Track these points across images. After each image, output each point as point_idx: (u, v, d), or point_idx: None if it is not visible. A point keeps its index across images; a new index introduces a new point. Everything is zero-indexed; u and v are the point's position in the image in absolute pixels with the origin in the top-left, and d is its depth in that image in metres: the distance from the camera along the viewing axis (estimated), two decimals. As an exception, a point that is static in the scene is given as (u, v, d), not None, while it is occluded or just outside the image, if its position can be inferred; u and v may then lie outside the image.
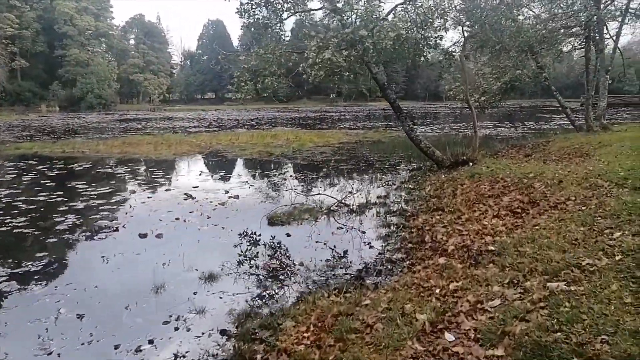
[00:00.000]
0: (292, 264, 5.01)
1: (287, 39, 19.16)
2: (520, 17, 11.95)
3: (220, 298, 4.28)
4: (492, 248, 4.64)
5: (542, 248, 4.09)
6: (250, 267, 4.99)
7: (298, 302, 4.03)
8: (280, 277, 4.70)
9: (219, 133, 23.74)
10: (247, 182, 9.98)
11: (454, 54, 9.63)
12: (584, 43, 11.63)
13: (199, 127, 30.77)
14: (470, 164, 9.66)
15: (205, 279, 4.67)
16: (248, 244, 5.70)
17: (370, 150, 15.48)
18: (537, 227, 5.03)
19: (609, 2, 10.57)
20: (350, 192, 8.60)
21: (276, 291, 4.38)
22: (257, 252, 5.41)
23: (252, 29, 10.36)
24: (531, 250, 4.12)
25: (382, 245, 5.61)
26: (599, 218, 4.59)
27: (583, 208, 5.36)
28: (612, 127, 10.84)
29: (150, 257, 5.39)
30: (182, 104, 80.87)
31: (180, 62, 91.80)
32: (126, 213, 7.53)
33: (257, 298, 4.26)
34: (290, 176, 10.86)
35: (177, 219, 7.04)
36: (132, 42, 78.03)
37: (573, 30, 11.79)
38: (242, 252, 5.43)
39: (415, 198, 8.09)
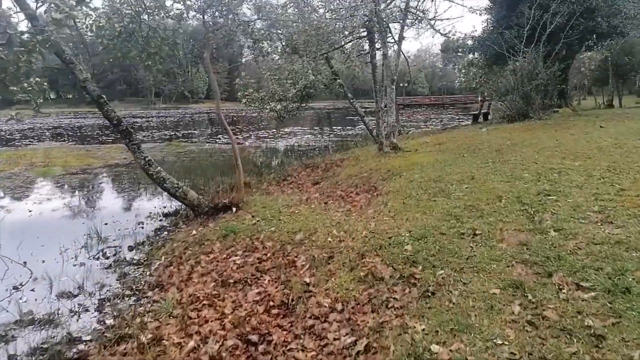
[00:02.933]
0: None
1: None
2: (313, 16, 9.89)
3: None
4: None
5: None
6: None
7: None
8: None
9: None
10: None
11: (201, 51, 6.72)
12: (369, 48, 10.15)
13: None
14: (234, 209, 6.90)
15: None
16: None
17: (136, 179, 11.69)
18: None
19: (390, 1, 9.09)
20: None
21: None
22: None
23: None
24: None
25: None
26: None
27: (348, 340, 2.94)
28: (403, 147, 9.42)
29: None
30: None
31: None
32: None
33: None
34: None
35: None
36: None
37: (358, 32, 10.18)
38: None
39: (125, 292, 4.85)
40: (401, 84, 66.21)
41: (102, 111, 6.68)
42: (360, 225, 5.13)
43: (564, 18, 12.56)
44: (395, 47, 10.07)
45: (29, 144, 21.00)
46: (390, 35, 9.66)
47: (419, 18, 9.25)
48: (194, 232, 6.43)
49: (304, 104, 15.54)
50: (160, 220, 7.67)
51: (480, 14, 16.39)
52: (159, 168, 6.94)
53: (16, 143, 21.44)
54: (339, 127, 28.19)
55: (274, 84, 15.16)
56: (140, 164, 6.86)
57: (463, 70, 27.76)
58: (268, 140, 21.76)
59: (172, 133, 26.78)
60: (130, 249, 6.21)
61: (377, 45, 9.91)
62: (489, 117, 17.51)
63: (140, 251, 6.12)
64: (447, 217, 4.56)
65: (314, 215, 6.04)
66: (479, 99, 17.37)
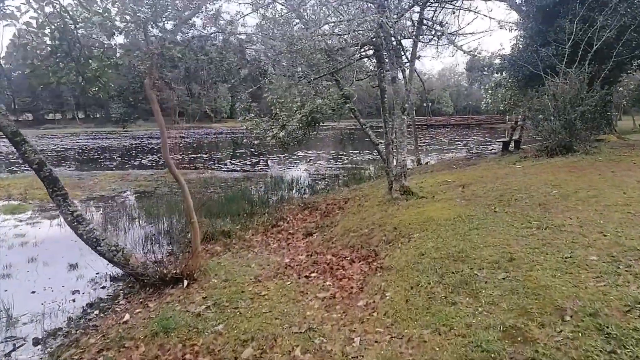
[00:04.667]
0: None
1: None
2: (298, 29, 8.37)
3: None
4: None
5: None
6: None
7: None
8: None
9: None
10: None
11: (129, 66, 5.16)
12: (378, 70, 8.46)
13: None
14: (185, 282, 5.22)
15: None
16: None
17: (111, 217, 10.17)
18: None
19: (401, 13, 7.38)
20: None
21: None
22: None
23: None
24: None
25: None
26: None
27: None
28: (417, 189, 7.63)
29: None
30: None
31: (-25, 77, 73.31)
32: None
33: None
34: None
35: None
36: None
37: (364, 50, 8.56)
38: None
39: None
40: (425, 104, 64.33)
41: (19, 152, 5.17)
42: (340, 341, 3.34)
43: (614, 32, 10.61)
44: (410, 67, 8.34)
45: (26, 170, 20.06)
46: (403, 54, 7.95)
47: (438, 33, 7.52)
48: (127, 316, 4.77)
49: (310, 130, 13.94)
50: (103, 287, 6.05)
51: (510, 30, 14.51)
52: (90, 226, 5.33)
53: (14, 168, 20.55)
54: (356, 151, 26.44)
55: (277, 107, 13.67)
56: (67, 220, 5.27)
57: (490, 92, 25.71)
58: (277, 167, 20.23)
59: (180, 157, 25.58)
60: (36, 343, 4.57)
61: (388, 66, 8.23)
62: (520, 144, 15.51)
63: (46, 348, 4.47)
64: (475, 351, 2.73)
65: (282, 305, 4.28)
66: (510, 123, 15.39)
